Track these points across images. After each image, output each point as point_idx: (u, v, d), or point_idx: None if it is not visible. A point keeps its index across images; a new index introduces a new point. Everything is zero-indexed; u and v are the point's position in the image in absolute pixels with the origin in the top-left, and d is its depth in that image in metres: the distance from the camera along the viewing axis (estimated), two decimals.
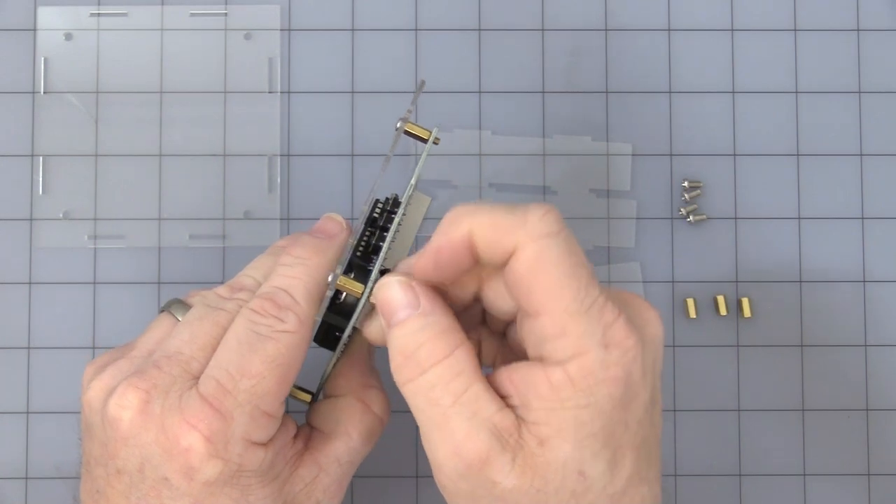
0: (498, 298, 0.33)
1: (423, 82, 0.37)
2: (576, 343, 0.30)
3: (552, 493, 0.30)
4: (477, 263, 0.32)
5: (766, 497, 0.46)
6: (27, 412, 0.45)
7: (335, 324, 0.35)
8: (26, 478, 0.45)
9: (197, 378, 0.33)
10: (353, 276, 0.34)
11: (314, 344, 0.36)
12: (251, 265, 0.37)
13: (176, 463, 0.32)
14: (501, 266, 0.31)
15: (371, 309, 0.34)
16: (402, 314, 0.32)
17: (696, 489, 0.46)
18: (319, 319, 0.34)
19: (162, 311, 0.37)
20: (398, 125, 0.36)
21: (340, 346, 0.35)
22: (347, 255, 0.35)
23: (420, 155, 0.36)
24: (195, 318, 0.34)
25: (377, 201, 0.36)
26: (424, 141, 0.36)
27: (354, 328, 0.35)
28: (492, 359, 0.36)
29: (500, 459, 0.30)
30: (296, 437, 0.35)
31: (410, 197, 0.36)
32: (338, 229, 0.37)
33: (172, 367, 0.33)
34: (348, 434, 0.36)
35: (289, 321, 0.33)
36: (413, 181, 0.35)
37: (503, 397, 0.31)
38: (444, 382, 0.31)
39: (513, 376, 0.31)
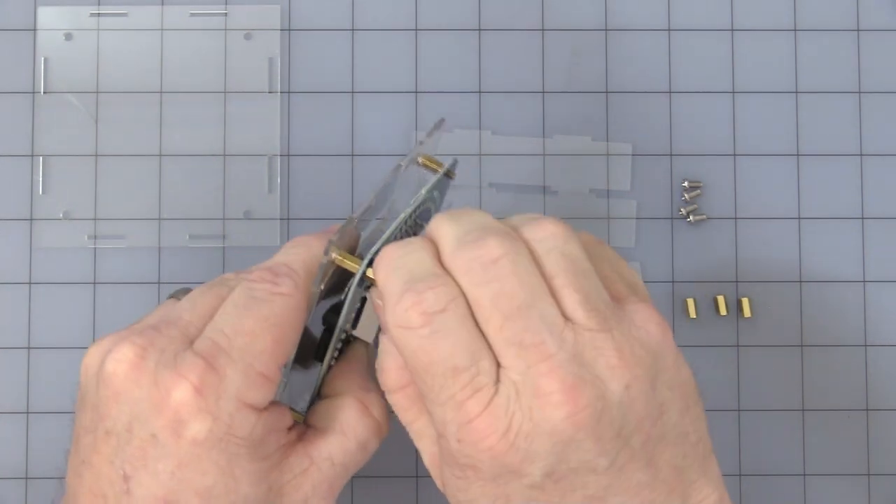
0: None
1: (442, 121, 0.38)
2: (436, 426, 0.31)
3: None
4: None
5: (766, 497, 0.46)
6: (27, 412, 0.45)
7: (335, 323, 0.35)
8: (26, 478, 0.45)
9: (193, 342, 0.33)
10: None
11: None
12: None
13: (165, 417, 0.31)
14: None
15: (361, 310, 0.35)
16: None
17: None
18: (317, 290, 0.34)
19: (170, 297, 0.37)
20: (417, 157, 0.37)
21: (335, 343, 0.35)
22: (346, 228, 0.34)
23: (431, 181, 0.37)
24: (198, 292, 0.35)
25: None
26: (436, 172, 0.37)
27: (351, 336, 0.35)
28: None
29: (438, 480, 0.34)
30: (290, 428, 0.35)
31: (424, 215, 0.36)
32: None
33: (171, 330, 0.33)
34: (343, 433, 0.35)
35: (284, 285, 0.33)
36: (413, 204, 0.35)
37: None
38: (401, 409, 0.34)
39: None
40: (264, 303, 0.33)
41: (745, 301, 0.46)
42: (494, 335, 0.30)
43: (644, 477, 0.31)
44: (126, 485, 0.31)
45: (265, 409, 0.33)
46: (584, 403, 0.29)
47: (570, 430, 0.29)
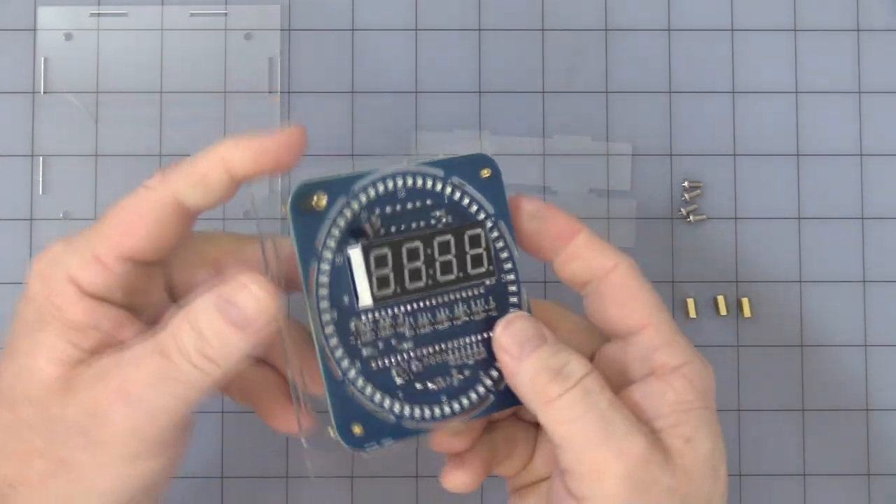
0: (568, 333, 0.35)
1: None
2: (683, 351, 0.33)
3: (694, 493, 0.31)
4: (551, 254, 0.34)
5: (766, 497, 0.46)
6: None
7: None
8: None
9: None
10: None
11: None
12: None
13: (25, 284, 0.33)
14: (584, 282, 0.34)
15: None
16: (531, 344, 0.32)
17: None
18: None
19: None
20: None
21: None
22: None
23: None
24: None
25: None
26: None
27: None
28: None
29: (656, 458, 0.31)
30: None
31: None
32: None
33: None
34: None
35: (153, 181, 0.33)
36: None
37: None
38: (599, 389, 0.32)
39: (633, 396, 0.33)
40: (130, 195, 0.33)
41: (745, 301, 0.46)
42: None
43: None
44: None
45: (98, 300, 0.32)
46: None
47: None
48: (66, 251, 0.32)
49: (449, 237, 0.33)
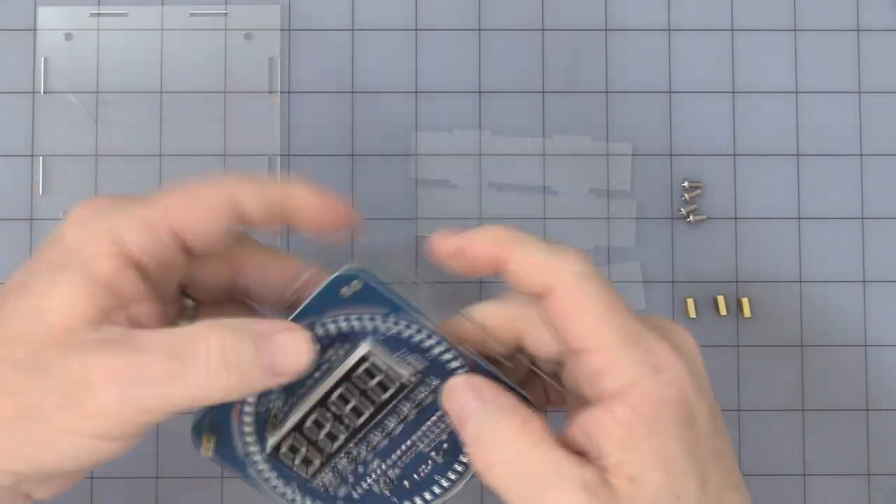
0: (541, 343, 0.33)
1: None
2: (628, 373, 0.30)
3: None
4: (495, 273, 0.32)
5: (766, 497, 0.46)
6: None
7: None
8: None
9: None
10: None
11: None
12: None
13: None
14: (535, 301, 0.32)
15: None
16: (464, 414, 0.32)
17: None
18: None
19: None
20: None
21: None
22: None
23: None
24: None
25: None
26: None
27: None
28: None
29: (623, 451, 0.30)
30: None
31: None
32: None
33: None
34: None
35: (216, 174, 0.33)
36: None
37: (582, 454, 0.31)
38: (526, 455, 0.31)
39: (582, 426, 0.31)
40: (193, 180, 0.32)
41: (745, 301, 0.46)
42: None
43: (717, 453, 0.32)
44: None
45: (130, 263, 0.31)
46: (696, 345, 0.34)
47: (701, 360, 0.33)
48: (113, 207, 0.32)
49: (342, 385, 0.33)
